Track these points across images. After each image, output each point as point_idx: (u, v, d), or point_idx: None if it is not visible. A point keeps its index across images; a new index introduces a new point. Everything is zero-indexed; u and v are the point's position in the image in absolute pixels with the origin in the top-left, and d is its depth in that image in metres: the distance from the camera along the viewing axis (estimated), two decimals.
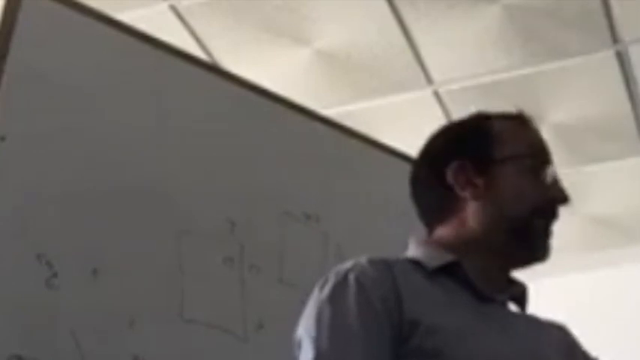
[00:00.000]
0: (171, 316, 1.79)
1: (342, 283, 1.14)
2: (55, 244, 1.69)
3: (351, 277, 1.14)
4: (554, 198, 1.28)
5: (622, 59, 3.20)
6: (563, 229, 4.43)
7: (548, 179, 1.29)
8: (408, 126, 3.41)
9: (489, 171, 1.26)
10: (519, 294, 1.28)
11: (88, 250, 1.73)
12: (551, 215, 1.27)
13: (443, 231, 1.28)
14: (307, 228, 2.07)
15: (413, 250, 1.28)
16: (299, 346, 1.12)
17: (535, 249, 1.26)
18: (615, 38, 3.12)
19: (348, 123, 2.32)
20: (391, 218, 2.12)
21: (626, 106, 3.39)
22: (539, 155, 1.31)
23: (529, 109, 3.76)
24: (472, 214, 1.25)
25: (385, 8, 3.07)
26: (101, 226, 1.76)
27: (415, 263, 1.22)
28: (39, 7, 1.79)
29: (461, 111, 3.42)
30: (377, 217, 2.16)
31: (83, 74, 1.84)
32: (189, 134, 1.96)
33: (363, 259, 1.17)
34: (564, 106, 3.41)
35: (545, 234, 1.26)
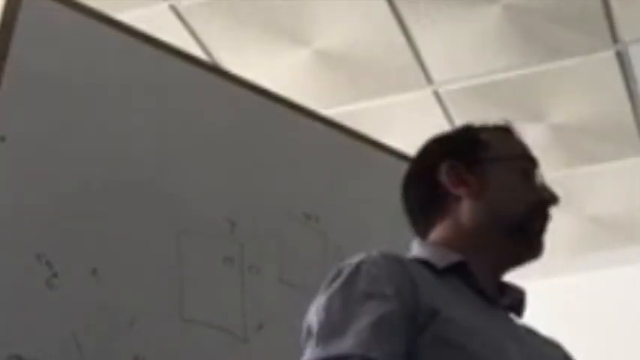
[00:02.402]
0: (171, 316, 1.79)
1: (354, 274, 1.14)
2: (55, 244, 1.69)
3: (364, 267, 1.14)
4: (545, 198, 1.29)
5: (622, 59, 3.20)
6: (563, 229, 4.43)
7: (537, 181, 1.31)
8: (408, 126, 3.41)
9: (480, 170, 1.28)
10: (518, 300, 1.29)
11: (88, 250, 1.73)
12: (543, 215, 1.29)
13: (440, 232, 1.29)
14: (307, 228, 2.07)
15: (417, 250, 1.28)
16: (308, 332, 1.12)
17: (532, 247, 1.26)
18: (615, 38, 3.12)
19: (348, 123, 2.32)
20: (391, 218, 2.12)
21: (626, 106, 3.39)
22: (527, 158, 1.33)
23: (529, 109, 3.79)
24: (466, 212, 1.26)
25: (385, 8, 3.07)
26: (101, 226, 1.76)
27: (422, 262, 1.22)
28: (39, 7, 1.79)
29: (461, 111, 3.44)
30: (377, 217, 2.16)
31: (83, 74, 1.84)
32: (189, 134, 1.96)
33: (375, 252, 1.18)
34: (564, 106, 3.41)
35: (540, 232, 1.27)
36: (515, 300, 1.28)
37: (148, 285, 1.79)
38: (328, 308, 1.11)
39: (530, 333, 1.27)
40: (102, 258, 1.74)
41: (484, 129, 1.35)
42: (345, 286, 1.13)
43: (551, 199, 1.30)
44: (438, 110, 3.43)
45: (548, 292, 3.87)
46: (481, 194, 1.26)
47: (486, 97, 3.31)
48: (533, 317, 1.33)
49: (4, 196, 1.66)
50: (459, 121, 3.48)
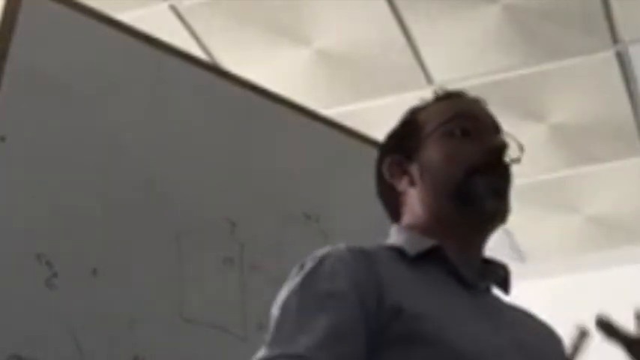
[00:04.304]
0: (171, 316, 1.79)
1: (315, 270, 1.11)
2: (55, 244, 1.69)
3: (327, 263, 1.11)
4: (487, 149, 1.19)
5: (622, 59, 3.20)
6: (563, 229, 4.44)
7: (481, 136, 1.21)
8: None
9: (417, 155, 1.25)
10: (501, 278, 1.23)
11: (88, 250, 1.73)
12: (490, 168, 1.18)
13: (406, 218, 1.26)
14: (307, 228, 2.07)
15: (394, 237, 1.24)
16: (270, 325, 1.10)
17: (483, 208, 1.17)
18: (615, 38, 3.12)
19: (348, 123, 2.32)
20: None
21: (626, 106, 3.39)
22: (462, 116, 1.24)
23: (529, 109, 3.78)
24: (416, 201, 1.23)
25: (385, 8, 3.07)
26: (101, 226, 1.76)
27: (397, 250, 1.18)
28: (39, 7, 1.79)
29: None
30: (377, 217, 2.16)
31: (83, 74, 1.84)
32: (189, 134, 1.96)
33: (341, 246, 1.14)
34: (564, 106, 3.41)
35: (489, 189, 1.17)
36: (499, 277, 1.23)
37: (148, 285, 1.79)
38: (286, 306, 1.09)
39: (518, 312, 1.22)
40: (102, 258, 1.74)
41: (423, 108, 1.30)
42: (305, 282, 1.10)
43: (494, 146, 1.19)
44: None
45: (548, 292, 3.87)
46: (421, 178, 1.23)
47: (486, 97, 3.30)
48: None
49: (4, 196, 1.66)
50: None
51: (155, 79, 1.95)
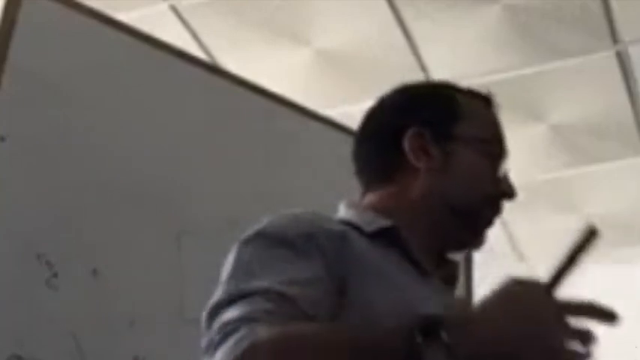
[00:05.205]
0: (171, 316, 1.79)
1: (272, 226, 1.08)
2: (55, 244, 1.69)
3: (280, 221, 1.08)
4: (504, 191, 1.21)
5: (622, 59, 3.20)
6: (563, 229, 4.42)
7: (501, 172, 1.22)
8: None
9: (448, 145, 1.19)
10: (452, 272, 1.22)
11: (88, 250, 1.73)
12: (497, 208, 1.21)
13: (378, 196, 1.21)
14: None
15: (344, 212, 1.21)
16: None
17: (476, 237, 1.20)
18: (615, 38, 3.11)
19: (348, 123, 2.32)
20: None
21: (626, 106, 3.39)
22: (500, 145, 1.24)
23: (529, 109, 3.78)
24: (419, 185, 1.18)
25: (385, 8, 3.07)
26: (101, 226, 1.76)
27: (349, 225, 1.14)
28: (39, 7, 1.79)
29: None
30: None
31: (83, 74, 1.84)
32: (189, 134, 1.96)
33: (287, 212, 1.11)
34: (564, 106, 3.41)
35: (487, 225, 1.20)
36: (451, 271, 1.22)
37: (148, 285, 1.79)
38: (240, 257, 1.05)
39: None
40: (102, 258, 1.74)
41: (462, 93, 1.26)
42: (260, 235, 1.06)
43: (510, 194, 1.21)
44: None
45: None
46: (441, 172, 1.18)
47: None
48: None
49: (4, 196, 1.66)
50: None
51: (155, 79, 1.95)
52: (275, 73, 3.23)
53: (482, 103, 1.26)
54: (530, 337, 0.86)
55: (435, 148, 1.19)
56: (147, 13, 3.08)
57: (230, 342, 0.91)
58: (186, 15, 3.17)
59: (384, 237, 1.13)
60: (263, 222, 1.10)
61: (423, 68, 3.30)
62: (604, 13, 3.01)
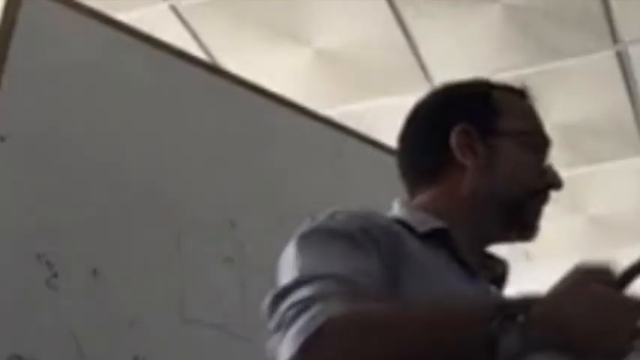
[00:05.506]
0: (171, 316, 1.79)
1: (329, 221, 1.09)
2: (55, 244, 1.69)
3: (339, 217, 1.10)
4: (549, 182, 1.25)
5: (622, 59, 3.20)
6: (564, 229, 4.42)
7: (545, 163, 1.26)
8: None
9: (492, 141, 1.21)
10: (500, 273, 1.24)
11: (88, 250, 1.73)
12: (544, 198, 1.24)
13: (429, 195, 1.23)
14: None
15: (397, 211, 1.22)
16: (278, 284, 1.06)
17: (525, 228, 1.22)
18: (615, 38, 3.12)
19: (348, 123, 2.32)
20: None
21: (626, 106, 3.39)
22: (542, 136, 1.27)
23: None
24: (467, 182, 1.20)
25: (385, 8, 3.07)
26: (101, 226, 1.76)
27: (401, 224, 1.16)
28: (39, 7, 1.79)
29: None
30: None
31: (83, 74, 1.84)
32: (189, 134, 1.96)
33: (342, 210, 1.13)
34: (564, 106, 3.41)
35: (537, 217, 1.23)
36: (498, 273, 1.24)
37: (148, 285, 1.79)
38: (301, 249, 1.06)
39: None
40: (102, 258, 1.74)
41: (499, 89, 1.29)
42: (319, 229, 1.08)
43: (556, 183, 1.25)
44: None
45: None
46: (487, 168, 1.20)
47: None
48: None
49: (4, 196, 1.66)
50: None
51: (155, 79, 1.94)
52: (275, 73, 3.23)
53: (518, 96, 1.29)
54: (603, 331, 0.87)
55: (480, 145, 1.21)
56: (147, 13, 3.08)
57: (304, 318, 0.92)
58: (186, 15, 3.17)
59: (434, 238, 1.15)
60: (319, 218, 1.12)
61: (423, 68, 3.30)
62: (604, 13, 3.01)
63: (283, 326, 0.95)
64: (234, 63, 3.17)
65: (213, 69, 2.20)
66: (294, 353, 0.90)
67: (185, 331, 1.80)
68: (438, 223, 1.16)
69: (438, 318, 0.92)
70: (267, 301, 1.03)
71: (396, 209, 1.23)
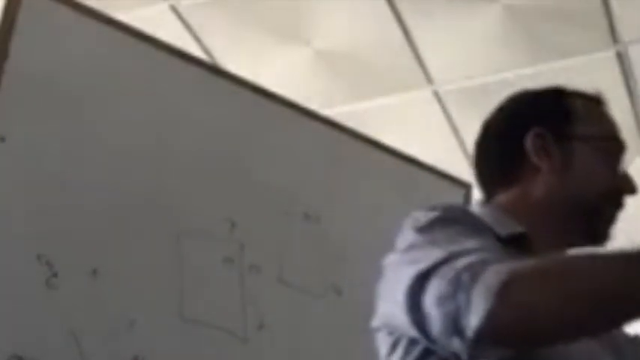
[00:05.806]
0: (171, 316, 1.79)
1: (436, 216, 1.11)
2: (55, 244, 1.69)
3: (440, 209, 1.13)
4: (624, 187, 1.26)
5: (622, 59, 3.20)
6: None
7: (620, 168, 1.27)
8: (408, 126, 3.41)
9: (567, 145, 1.24)
10: None
11: (88, 250, 1.73)
12: (618, 204, 1.25)
13: (507, 197, 1.25)
14: (307, 228, 2.07)
15: (480, 212, 1.24)
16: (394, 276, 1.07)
17: (598, 232, 1.24)
18: (615, 38, 3.12)
19: (348, 123, 2.32)
20: (391, 217, 2.12)
21: (626, 106, 3.39)
22: (617, 142, 1.29)
23: None
24: (541, 185, 1.22)
25: (385, 8, 3.07)
26: (101, 227, 1.76)
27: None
28: (39, 7, 1.79)
29: (461, 111, 3.43)
30: (377, 217, 2.16)
31: (83, 74, 1.84)
32: (189, 134, 1.96)
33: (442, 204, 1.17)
34: None
35: (610, 220, 1.25)
36: None
37: (148, 285, 1.79)
38: (423, 238, 1.07)
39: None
40: (102, 258, 1.74)
41: (574, 95, 1.31)
42: (435, 220, 1.10)
43: (631, 189, 1.26)
44: (438, 110, 3.43)
45: None
46: (562, 171, 1.22)
47: (486, 97, 3.30)
48: None
49: (5, 196, 1.66)
50: (459, 121, 3.48)
51: (155, 79, 1.94)
52: (275, 73, 3.24)
53: (592, 102, 1.31)
54: None
55: (555, 148, 1.23)
56: (147, 13, 3.08)
57: (488, 274, 0.93)
58: (186, 15, 3.17)
59: (515, 242, 1.17)
60: (429, 213, 1.13)
61: (423, 68, 3.30)
62: (604, 13, 3.01)
63: (460, 289, 0.95)
64: (235, 63, 3.18)
65: (213, 69, 2.20)
66: (493, 303, 0.92)
67: (185, 331, 1.80)
68: (518, 228, 1.19)
69: (608, 258, 0.98)
70: (406, 287, 1.01)
71: (476, 209, 1.25)
